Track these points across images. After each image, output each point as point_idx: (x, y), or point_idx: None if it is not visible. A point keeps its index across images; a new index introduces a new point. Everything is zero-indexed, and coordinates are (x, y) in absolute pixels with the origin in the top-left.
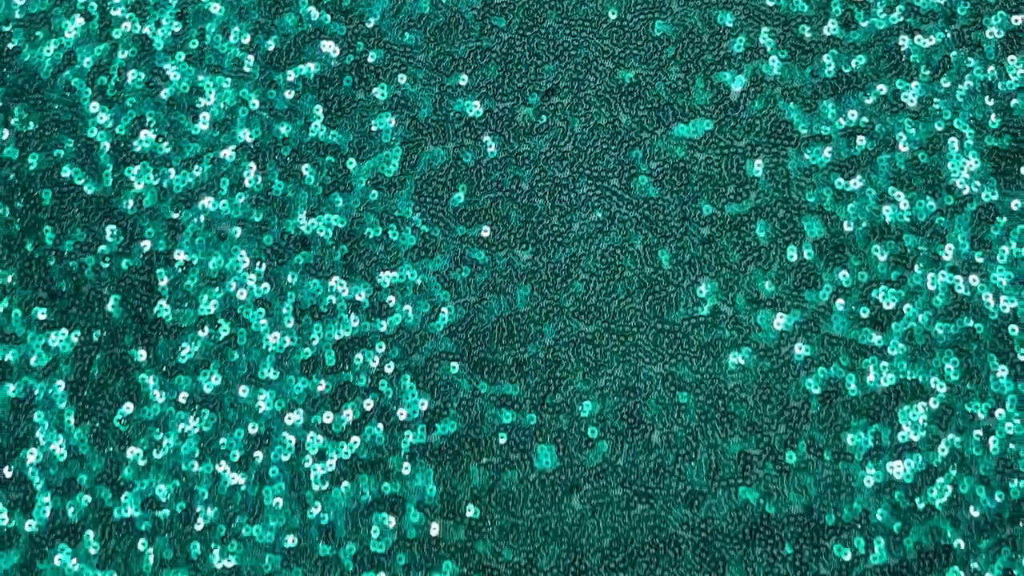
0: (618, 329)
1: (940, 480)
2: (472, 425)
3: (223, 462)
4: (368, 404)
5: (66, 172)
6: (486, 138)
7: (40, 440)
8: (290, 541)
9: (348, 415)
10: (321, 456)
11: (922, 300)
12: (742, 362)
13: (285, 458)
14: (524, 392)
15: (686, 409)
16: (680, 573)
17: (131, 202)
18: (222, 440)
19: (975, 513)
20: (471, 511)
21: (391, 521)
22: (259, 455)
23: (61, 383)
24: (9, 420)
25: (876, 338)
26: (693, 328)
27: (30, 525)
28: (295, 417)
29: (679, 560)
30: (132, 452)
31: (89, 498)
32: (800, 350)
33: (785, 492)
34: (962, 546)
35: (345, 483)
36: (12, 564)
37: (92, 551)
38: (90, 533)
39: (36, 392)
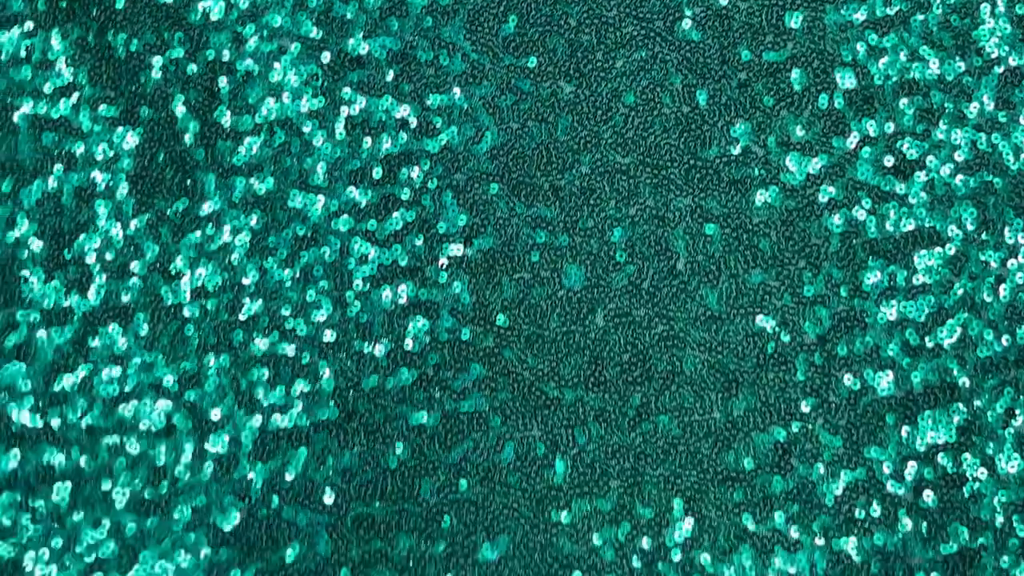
0: (652, 162)
1: (950, 322)
2: (507, 242)
3: (271, 259)
4: (410, 216)
5: None
6: None
7: (99, 227)
8: (328, 336)
9: (391, 225)
10: (363, 260)
11: (945, 153)
12: (769, 200)
13: (329, 259)
14: (558, 215)
15: (712, 240)
16: (693, 390)
17: (199, 14)
18: (271, 239)
19: (982, 354)
20: (501, 320)
21: (425, 324)
22: (305, 255)
23: (123, 176)
24: (72, 207)
25: (898, 186)
26: (724, 165)
27: (84, 305)
28: (341, 222)
29: (694, 378)
30: (185, 244)
31: (141, 284)
32: (825, 192)
33: (800, 322)
34: (967, 384)
35: (385, 286)
36: (65, 339)
37: (141, 333)
38: (140, 316)
39: (99, 182)
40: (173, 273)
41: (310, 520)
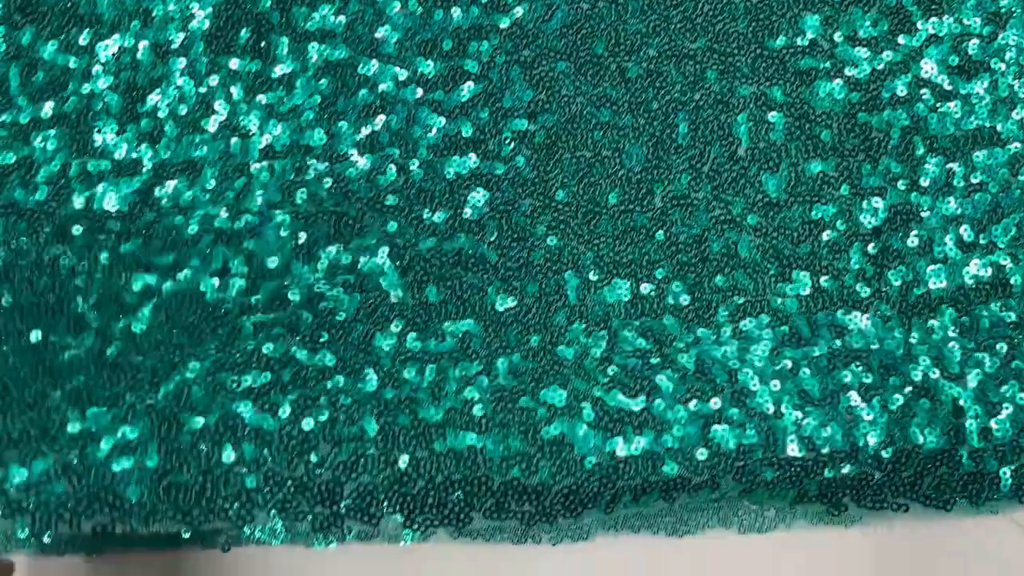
0: (720, 49)
1: (1006, 220)
2: (571, 119)
3: (340, 122)
4: (477, 89)
5: None
6: None
7: (173, 83)
8: (389, 199)
9: (458, 96)
10: (428, 129)
11: (1011, 56)
12: (832, 92)
13: (396, 127)
14: (623, 96)
15: (774, 128)
16: (748, 273)
17: None
18: (340, 103)
19: None
20: (560, 195)
21: (485, 195)
22: (372, 123)
23: (199, 34)
24: (148, 63)
25: (962, 85)
26: (791, 56)
27: (155, 158)
28: (408, 92)
29: (748, 261)
30: (257, 105)
31: (211, 140)
32: (888, 87)
33: (857, 213)
34: (1020, 282)
35: (448, 155)
36: (132, 189)
37: (208, 187)
38: (209, 171)
39: (175, 40)
40: (243, 132)
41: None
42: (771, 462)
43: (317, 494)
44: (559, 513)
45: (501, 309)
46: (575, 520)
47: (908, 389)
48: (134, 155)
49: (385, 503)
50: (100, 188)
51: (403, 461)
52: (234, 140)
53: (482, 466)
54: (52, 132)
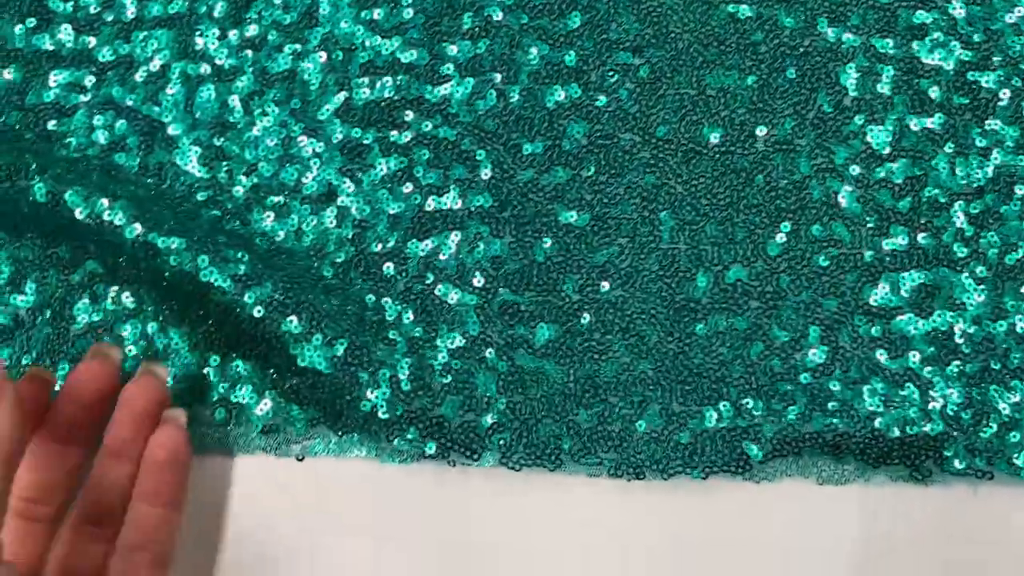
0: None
1: None
2: (676, 56)
3: (443, 43)
4: (583, 19)
5: None
6: None
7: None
8: (489, 125)
9: (563, 26)
10: (531, 56)
11: None
12: (942, 50)
13: (498, 52)
14: (731, 37)
15: (882, 80)
16: (845, 224)
17: None
18: (444, 23)
19: None
20: (660, 132)
21: (584, 127)
22: (476, 47)
23: None
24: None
25: None
26: (903, 10)
27: (256, 66)
28: (513, 18)
29: (848, 212)
30: (362, 20)
31: (315, 54)
32: (1002, 47)
33: (961, 171)
34: None
35: (550, 84)
36: (240, 94)
37: (309, 97)
38: (311, 87)
39: None
40: (347, 46)
41: (461, 300)
42: (848, 415)
43: (431, 426)
44: (645, 466)
45: (600, 262)
46: (664, 478)
47: (988, 354)
48: (234, 61)
49: (486, 440)
50: (199, 92)
51: (500, 403)
52: (336, 53)
53: (571, 412)
54: (154, 33)
